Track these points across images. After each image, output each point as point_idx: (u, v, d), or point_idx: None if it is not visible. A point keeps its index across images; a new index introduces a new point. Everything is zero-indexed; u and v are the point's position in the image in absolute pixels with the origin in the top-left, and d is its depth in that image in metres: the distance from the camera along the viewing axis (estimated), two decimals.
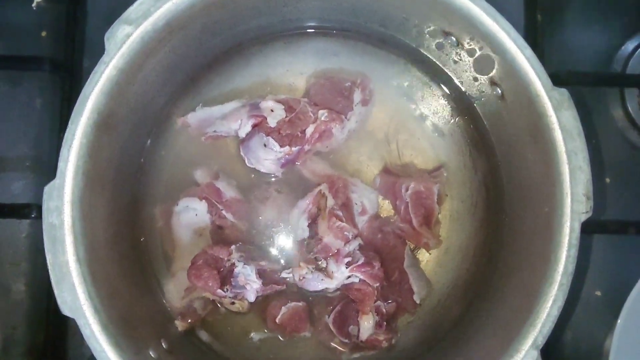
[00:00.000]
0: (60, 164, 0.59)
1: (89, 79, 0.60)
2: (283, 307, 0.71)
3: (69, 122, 0.59)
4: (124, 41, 0.60)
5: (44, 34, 0.82)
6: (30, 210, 0.76)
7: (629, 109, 0.83)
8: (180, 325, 0.71)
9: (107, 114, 0.61)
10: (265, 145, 0.73)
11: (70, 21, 0.82)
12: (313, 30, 0.78)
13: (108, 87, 0.60)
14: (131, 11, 0.60)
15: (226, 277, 0.69)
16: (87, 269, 0.58)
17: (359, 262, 0.70)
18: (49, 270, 0.57)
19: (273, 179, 0.76)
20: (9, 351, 0.77)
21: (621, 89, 0.83)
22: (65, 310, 0.57)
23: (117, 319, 0.60)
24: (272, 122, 0.73)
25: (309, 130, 0.74)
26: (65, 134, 0.59)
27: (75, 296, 0.57)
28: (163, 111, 0.76)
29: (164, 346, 0.67)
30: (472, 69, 0.71)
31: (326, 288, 0.71)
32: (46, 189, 0.58)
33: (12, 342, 0.77)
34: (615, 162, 0.82)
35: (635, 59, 0.83)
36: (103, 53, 0.61)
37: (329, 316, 0.73)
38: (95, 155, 0.61)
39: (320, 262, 0.71)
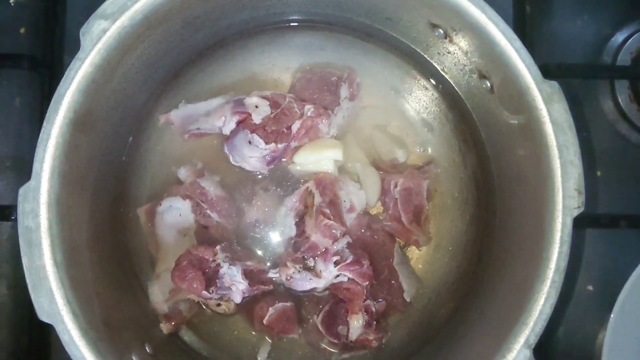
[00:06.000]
0: (36, 165, 0.57)
1: (64, 77, 0.58)
2: (270, 308, 0.70)
3: (44, 122, 0.57)
4: (100, 37, 0.58)
5: (22, 30, 0.81)
6: (11, 212, 0.75)
7: (619, 101, 0.82)
8: (165, 327, 0.70)
9: (84, 112, 0.59)
10: (250, 142, 0.71)
11: (49, 17, 0.81)
12: (298, 24, 0.76)
13: (84, 84, 0.58)
14: (107, 5, 0.59)
15: (211, 278, 0.68)
16: (65, 272, 0.56)
17: (348, 261, 0.69)
18: (25, 275, 0.56)
19: (259, 177, 0.75)
20: None
21: (611, 81, 0.83)
22: (43, 316, 0.56)
23: (97, 324, 0.58)
24: (256, 119, 0.71)
25: (295, 126, 0.72)
26: (40, 134, 0.57)
27: (53, 301, 0.55)
28: (144, 108, 0.74)
29: (148, 350, 0.65)
30: (461, 62, 0.70)
31: (314, 288, 0.70)
32: (21, 190, 0.57)
33: None
34: (606, 155, 0.82)
35: (625, 51, 0.83)
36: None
37: (317, 316, 0.72)
38: (73, 155, 0.59)
39: (308, 261, 0.70)
